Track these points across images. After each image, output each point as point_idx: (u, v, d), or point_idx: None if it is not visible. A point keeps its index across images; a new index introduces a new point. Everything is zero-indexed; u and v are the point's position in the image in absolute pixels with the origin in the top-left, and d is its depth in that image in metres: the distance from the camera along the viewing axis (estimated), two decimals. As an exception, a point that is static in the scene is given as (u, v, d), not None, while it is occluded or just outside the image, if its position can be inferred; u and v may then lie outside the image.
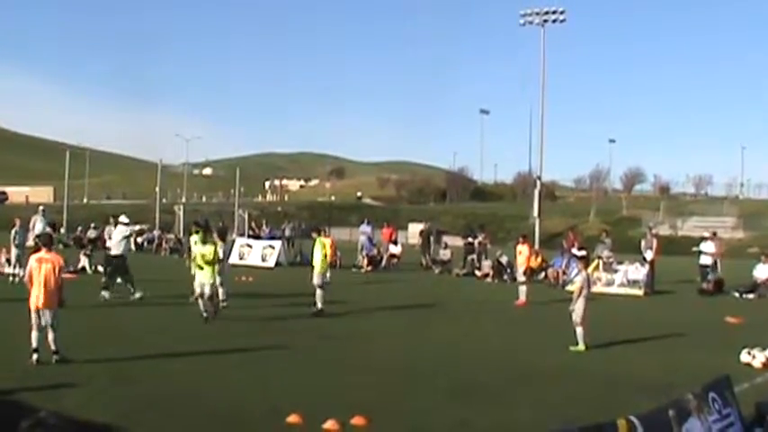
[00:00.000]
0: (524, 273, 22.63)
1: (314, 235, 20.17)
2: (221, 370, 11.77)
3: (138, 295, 19.95)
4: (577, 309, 14.40)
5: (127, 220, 21.65)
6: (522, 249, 22.97)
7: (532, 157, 79.29)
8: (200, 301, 16.49)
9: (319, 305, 17.98)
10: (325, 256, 18.59)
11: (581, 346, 14.19)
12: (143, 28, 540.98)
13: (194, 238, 18.55)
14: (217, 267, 16.96)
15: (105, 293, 19.76)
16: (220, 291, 18.14)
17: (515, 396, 10.68)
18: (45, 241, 12.39)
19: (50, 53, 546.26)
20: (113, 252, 20.58)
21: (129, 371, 11.27)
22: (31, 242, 18.60)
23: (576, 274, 25.43)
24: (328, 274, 18.89)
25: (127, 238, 21.14)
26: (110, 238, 25.51)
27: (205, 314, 16.26)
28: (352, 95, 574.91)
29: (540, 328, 15.38)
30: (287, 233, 42.62)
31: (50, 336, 11.49)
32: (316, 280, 18.28)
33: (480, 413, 9.58)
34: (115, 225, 21.17)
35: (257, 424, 8.72)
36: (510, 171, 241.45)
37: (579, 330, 14.33)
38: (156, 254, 41.01)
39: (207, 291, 16.36)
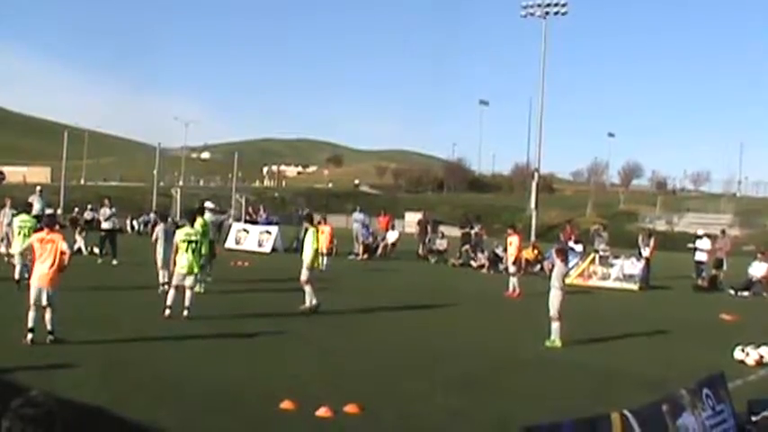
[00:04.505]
0: (514, 263, 22.56)
1: (305, 225, 17.93)
2: (215, 355, 11.75)
3: (208, 279, 19.90)
4: (553, 302, 14.03)
5: (212, 205, 21.86)
6: (513, 240, 22.97)
7: (531, 149, 79.38)
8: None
9: (309, 302, 16.42)
10: (317, 250, 17.00)
11: (557, 342, 13.83)
12: (144, 11, 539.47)
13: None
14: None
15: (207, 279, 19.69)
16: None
17: (509, 387, 10.69)
18: (48, 221, 12.53)
19: (50, 33, 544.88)
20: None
21: (122, 354, 11.25)
22: (16, 223, 18.37)
23: (573, 267, 25.55)
24: (325, 261, 18.68)
25: (215, 225, 21.27)
26: (104, 218, 25.61)
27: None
28: (351, 84, 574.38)
29: (535, 320, 15.35)
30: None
31: (48, 315, 11.47)
32: (303, 276, 16.56)
33: (474, 403, 9.57)
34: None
35: (250, 409, 8.71)
36: (508, 162, 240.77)
37: (555, 325, 13.92)
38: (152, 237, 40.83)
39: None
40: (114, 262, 24.11)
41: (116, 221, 26.27)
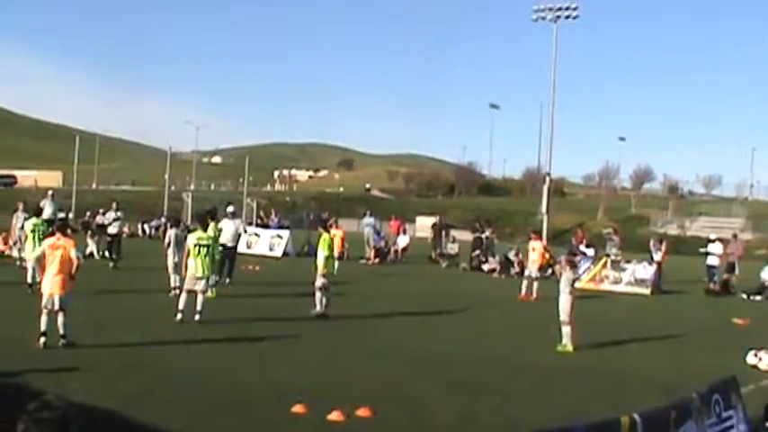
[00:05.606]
0: (539, 269, 22.54)
1: (320, 230, 17.68)
2: (227, 358, 11.78)
3: (227, 280, 20.40)
4: (563, 306, 14.03)
5: (233, 209, 22.12)
6: (536, 245, 22.90)
7: (542, 153, 79.22)
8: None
9: (319, 308, 16.26)
10: (328, 257, 16.63)
11: (569, 346, 13.80)
12: (153, 13, 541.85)
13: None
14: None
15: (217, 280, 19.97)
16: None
17: (520, 391, 10.67)
18: (60, 227, 12.61)
19: (57, 36, 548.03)
20: (229, 244, 20.72)
21: (134, 357, 11.30)
22: (28, 226, 18.61)
23: (584, 271, 25.50)
24: (336, 265, 18.60)
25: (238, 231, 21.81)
26: (107, 222, 25.69)
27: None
28: (362, 88, 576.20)
29: (548, 325, 15.30)
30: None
31: (60, 319, 11.53)
32: (317, 282, 16.40)
33: (485, 407, 9.57)
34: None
35: (262, 413, 8.73)
36: (519, 166, 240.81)
37: (566, 330, 13.91)
38: (163, 240, 40.91)
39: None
40: (110, 265, 24.11)
41: (121, 225, 26.19)
